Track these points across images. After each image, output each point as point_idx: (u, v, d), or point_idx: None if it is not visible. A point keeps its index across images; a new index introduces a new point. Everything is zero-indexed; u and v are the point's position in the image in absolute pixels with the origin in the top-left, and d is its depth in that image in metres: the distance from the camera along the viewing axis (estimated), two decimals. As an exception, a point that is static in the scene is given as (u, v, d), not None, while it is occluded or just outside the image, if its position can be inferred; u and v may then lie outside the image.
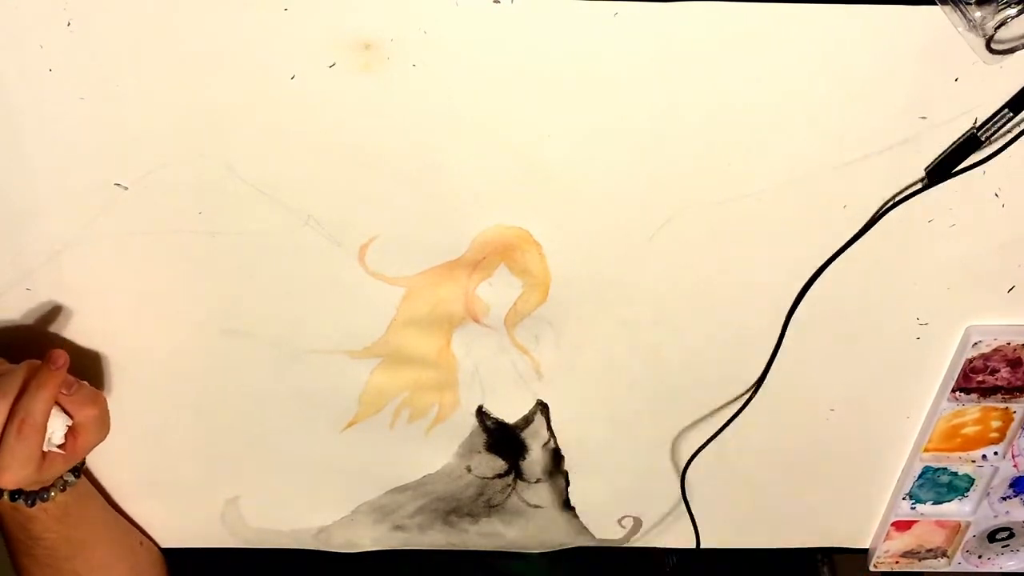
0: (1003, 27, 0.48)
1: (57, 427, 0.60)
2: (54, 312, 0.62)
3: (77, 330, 0.63)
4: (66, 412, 0.60)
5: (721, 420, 0.69)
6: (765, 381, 0.66)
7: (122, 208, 0.57)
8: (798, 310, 0.62)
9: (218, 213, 0.57)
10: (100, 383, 0.65)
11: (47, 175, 0.56)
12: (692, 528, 0.75)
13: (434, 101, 0.53)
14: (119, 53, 0.51)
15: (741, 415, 0.68)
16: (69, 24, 0.50)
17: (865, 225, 0.58)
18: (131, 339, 0.64)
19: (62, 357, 0.58)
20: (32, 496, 0.61)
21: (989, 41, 0.48)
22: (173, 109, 0.53)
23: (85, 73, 0.51)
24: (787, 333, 0.64)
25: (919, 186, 0.56)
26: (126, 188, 0.56)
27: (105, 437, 0.63)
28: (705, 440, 0.68)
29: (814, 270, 0.60)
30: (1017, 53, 0.50)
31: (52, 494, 0.61)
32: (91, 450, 0.63)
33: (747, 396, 0.66)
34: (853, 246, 0.59)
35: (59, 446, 0.60)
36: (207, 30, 0.50)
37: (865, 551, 0.78)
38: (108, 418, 0.63)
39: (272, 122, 0.54)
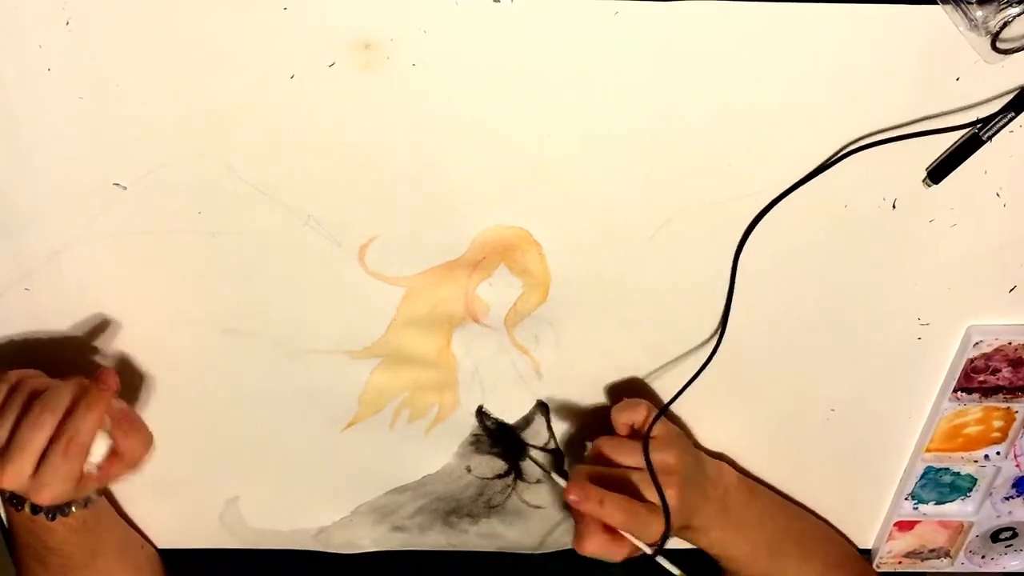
0: (1005, 27, 0.48)
1: (99, 448, 0.59)
2: (54, 312, 0.62)
3: (77, 330, 0.63)
4: (109, 434, 0.60)
5: (722, 418, 0.69)
6: (724, 339, 0.63)
7: (122, 208, 0.57)
8: (801, 310, 0.62)
9: (218, 213, 0.57)
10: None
11: (47, 175, 0.56)
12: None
13: (434, 101, 0.53)
14: (119, 53, 0.51)
15: (743, 417, 0.68)
16: (69, 24, 0.50)
17: (825, 162, 0.56)
18: (131, 339, 0.64)
19: (112, 377, 0.59)
20: (53, 511, 0.60)
21: (995, 40, 0.48)
22: (173, 109, 0.53)
23: (85, 73, 0.51)
24: (786, 332, 0.64)
25: (917, 185, 0.56)
26: (126, 188, 0.56)
27: (141, 463, 0.63)
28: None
29: (813, 271, 0.60)
30: (1018, 52, 0.50)
31: (73, 509, 0.61)
32: (126, 474, 0.62)
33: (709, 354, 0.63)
34: (849, 247, 0.59)
35: (97, 467, 0.60)
36: (207, 30, 0.50)
37: (867, 552, 0.78)
38: (149, 444, 0.63)
39: (272, 122, 0.54)
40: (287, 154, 0.55)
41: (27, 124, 0.53)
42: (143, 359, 0.65)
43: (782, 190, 0.56)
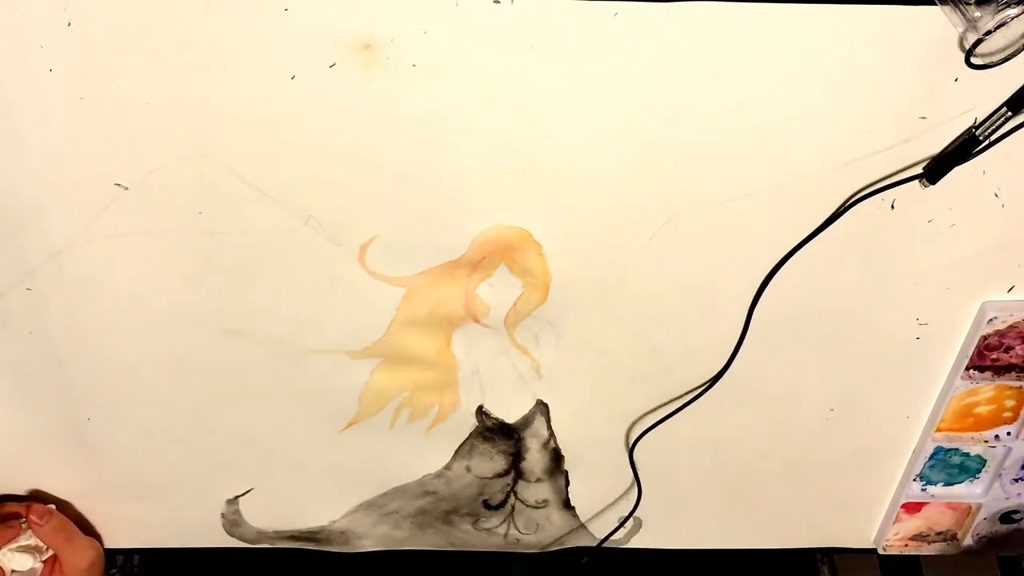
0: (1003, 27, 0.48)
1: (23, 565, 0.67)
2: (54, 312, 0.62)
3: (77, 330, 0.63)
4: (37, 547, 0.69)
5: (722, 419, 0.69)
6: (728, 375, 0.65)
7: (122, 208, 0.57)
8: (800, 310, 0.63)
9: (218, 213, 0.57)
10: (99, 383, 0.66)
11: (47, 175, 0.56)
12: (685, 526, 0.76)
13: (434, 101, 0.53)
14: (120, 54, 0.51)
15: (742, 418, 0.69)
16: (69, 24, 0.50)
17: (834, 213, 0.57)
18: (131, 339, 0.64)
19: (35, 511, 0.68)
20: None
21: (969, 54, 0.48)
22: (173, 109, 0.53)
23: (86, 74, 0.51)
24: (784, 333, 0.64)
25: (916, 185, 0.56)
26: (126, 188, 0.56)
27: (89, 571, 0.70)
28: (657, 420, 0.68)
29: (812, 271, 0.61)
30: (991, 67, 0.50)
31: None
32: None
33: (706, 385, 0.66)
34: (848, 248, 0.59)
35: None
36: (208, 31, 0.50)
37: (865, 551, 0.78)
38: (89, 554, 0.71)
39: (272, 122, 0.54)
40: (287, 154, 0.55)
41: (28, 124, 0.53)
42: (143, 359, 0.65)
43: (784, 192, 0.56)
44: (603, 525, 0.77)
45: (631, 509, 0.74)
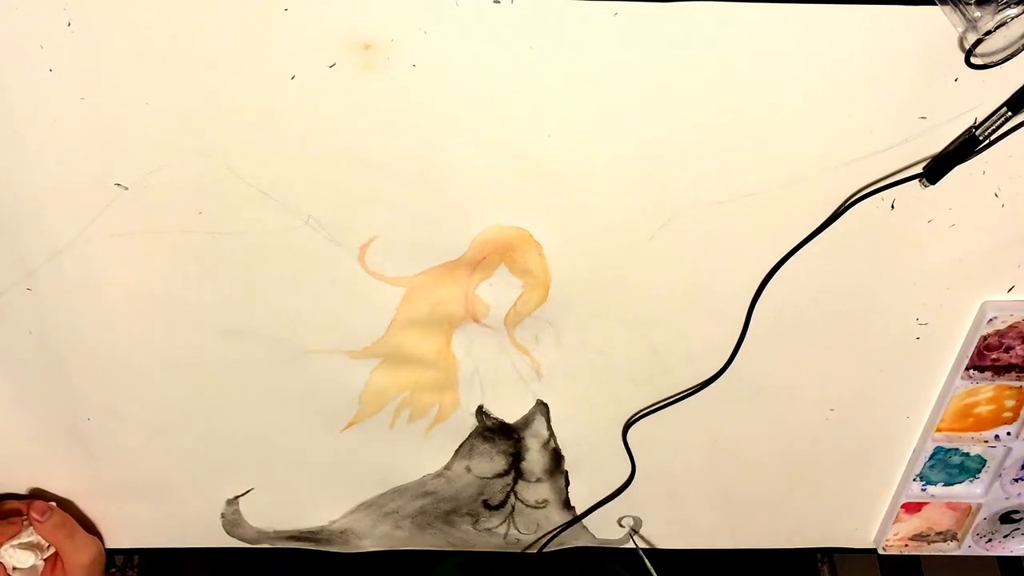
0: (1003, 27, 0.48)
1: (24, 562, 0.67)
2: (54, 312, 0.62)
3: (77, 330, 0.63)
4: (38, 544, 0.69)
5: (722, 418, 0.69)
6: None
7: (122, 208, 0.57)
8: (799, 310, 0.63)
9: (218, 213, 0.57)
10: (99, 384, 0.66)
11: (47, 175, 0.56)
12: (685, 526, 0.75)
13: (434, 101, 0.53)
14: (120, 54, 0.51)
15: (742, 417, 0.69)
16: (69, 24, 0.50)
17: (834, 213, 0.57)
18: (131, 339, 0.64)
19: (35, 508, 0.68)
20: None
21: (969, 54, 0.48)
22: (173, 109, 0.53)
23: (86, 74, 0.51)
24: (784, 333, 0.64)
25: (916, 185, 0.56)
26: (126, 188, 0.56)
27: (90, 568, 0.71)
28: (649, 408, 0.69)
29: (811, 272, 0.61)
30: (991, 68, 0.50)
31: None
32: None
33: (706, 382, 0.66)
34: (847, 248, 0.59)
35: None
36: (207, 30, 0.50)
37: (865, 551, 0.78)
38: (91, 551, 0.71)
39: (272, 122, 0.54)
40: (287, 154, 0.55)
41: (28, 124, 0.53)
42: (143, 359, 0.65)
43: (784, 192, 0.56)
44: (603, 525, 0.77)
45: (622, 486, 0.74)
